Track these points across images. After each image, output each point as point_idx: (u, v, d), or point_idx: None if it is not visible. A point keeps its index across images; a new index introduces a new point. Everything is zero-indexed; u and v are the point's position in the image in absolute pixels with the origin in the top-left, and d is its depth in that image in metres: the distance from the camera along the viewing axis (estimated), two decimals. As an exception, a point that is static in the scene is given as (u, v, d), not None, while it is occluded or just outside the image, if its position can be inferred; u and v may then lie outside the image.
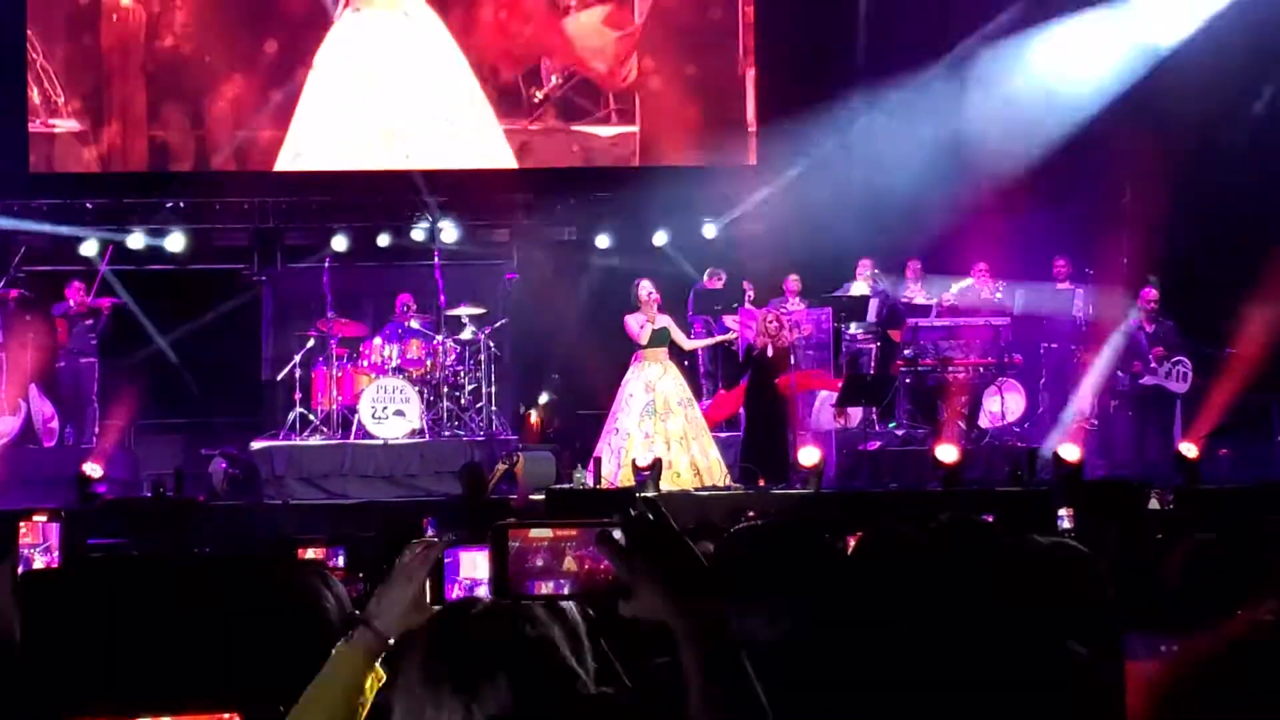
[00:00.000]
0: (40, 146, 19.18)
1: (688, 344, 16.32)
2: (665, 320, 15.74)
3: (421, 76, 19.59)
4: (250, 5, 19.40)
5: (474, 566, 6.31)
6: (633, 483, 14.83)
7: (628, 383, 15.68)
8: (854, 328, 17.64)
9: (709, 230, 19.41)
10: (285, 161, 19.36)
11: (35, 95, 19.06)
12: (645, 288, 15.64)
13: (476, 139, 19.59)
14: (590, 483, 15.27)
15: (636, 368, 15.67)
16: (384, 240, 19.40)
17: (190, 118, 19.26)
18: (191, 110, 19.26)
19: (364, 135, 19.48)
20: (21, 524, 8.04)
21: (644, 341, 15.55)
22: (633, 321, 15.60)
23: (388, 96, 19.52)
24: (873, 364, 17.65)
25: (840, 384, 16.82)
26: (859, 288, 17.99)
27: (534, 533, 2.89)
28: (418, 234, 19.21)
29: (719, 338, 16.96)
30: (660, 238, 19.25)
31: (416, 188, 19.19)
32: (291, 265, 18.02)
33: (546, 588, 2.90)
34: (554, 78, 19.68)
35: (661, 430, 15.40)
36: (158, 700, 3.59)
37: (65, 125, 19.25)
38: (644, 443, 15.30)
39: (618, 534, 2.65)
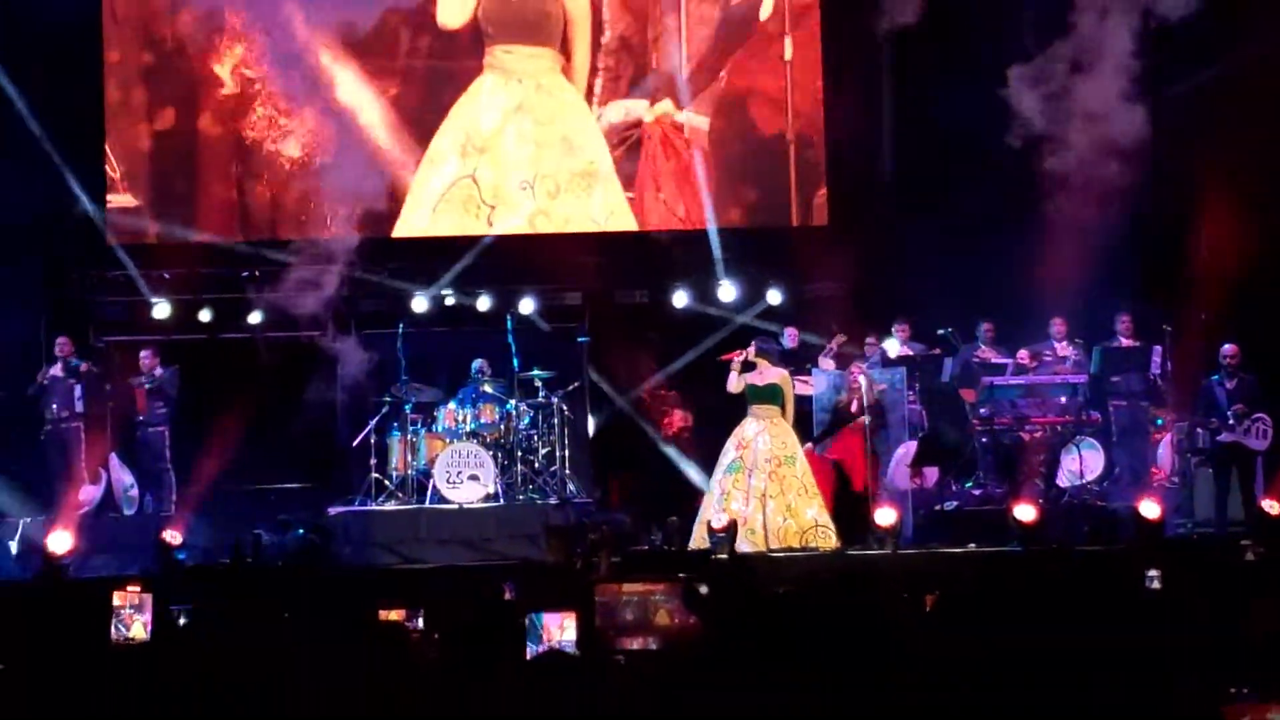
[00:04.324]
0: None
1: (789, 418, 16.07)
2: (775, 377, 15.61)
3: (528, 138, 19.82)
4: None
5: (559, 629, 6.31)
6: (707, 545, 14.78)
7: (729, 439, 15.66)
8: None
9: (774, 296, 19.39)
10: (405, 228, 19.67)
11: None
12: (754, 344, 15.67)
13: (601, 206, 19.82)
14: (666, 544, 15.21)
15: (741, 424, 15.63)
16: (450, 300, 19.51)
17: (266, 188, 19.51)
18: (266, 180, 19.51)
19: (453, 192, 19.76)
20: (115, 593, 8.16)
21: (732, 390, 15.50)
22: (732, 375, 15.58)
23: (481, 156, 19.80)
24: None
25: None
26: (892, 346, 17.94)
27: (624, 588, 2.88)
28: (482, 303, 19.32)
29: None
30: (728, 292, 19.19)
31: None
32: (366, 332, 18.11)
33: (636, 643, 2.89)
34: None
35: (744, 485, 15.31)
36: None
37: (119, 200, 19.55)
38: (720, 499, 15.25)
39: (704, 589, 2.65)
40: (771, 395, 15.55)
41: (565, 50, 19.83)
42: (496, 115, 19.84)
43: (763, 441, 15.46)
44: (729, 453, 15.53)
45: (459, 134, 19.83)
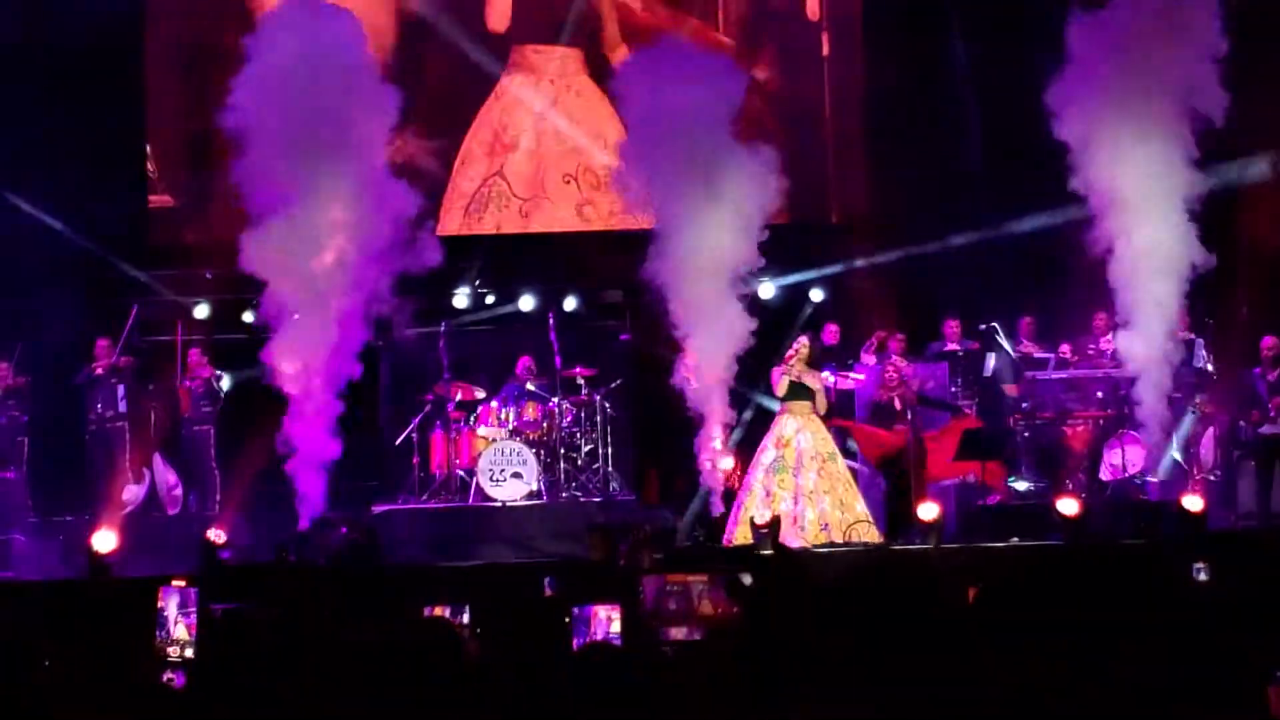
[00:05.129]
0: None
1: (820, 410, 16.07)
2: (814, 377, 15.69)
3: (562, 135, 19.90)
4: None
5: (604, 622, 6.35)
6: (750, 540, 14.80)
7: (766, 437, 15.70)
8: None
9: (816, 294, 19.32)
10: (449, 226, 19.76)
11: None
12: (798, 342, 15.71)
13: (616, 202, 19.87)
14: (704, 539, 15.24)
15: (777, 421, 15.69)
16: (490, 300, 19.54)
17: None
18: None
19: (483, 190, 19.82)
20: (162, 589, 8.24)
21: (780, 392, 15.58)
22: (776, 373, 15.65)
23: (512, 153, 19.85)
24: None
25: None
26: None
27: (667, 578, 2.89)
28: (526, 302, 19.31)
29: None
30: (767, 290, 19.05)
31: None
32: (409, 330, 18.14)
33: (679, 633, 2.90)
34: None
35: (790, 485, 15.32)
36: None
37: (159, 200, 19.73)
38: (764, 500, 15.25)
39: (747, 579, 2.67)
40: (807, 391, 15.61)
41: (599, 47, 19.86)
42: (527, 115, 19.92)
43: (805, 439, 15.50)
44: (769, 451, 15.55)
45: (488, 134, 19.91)
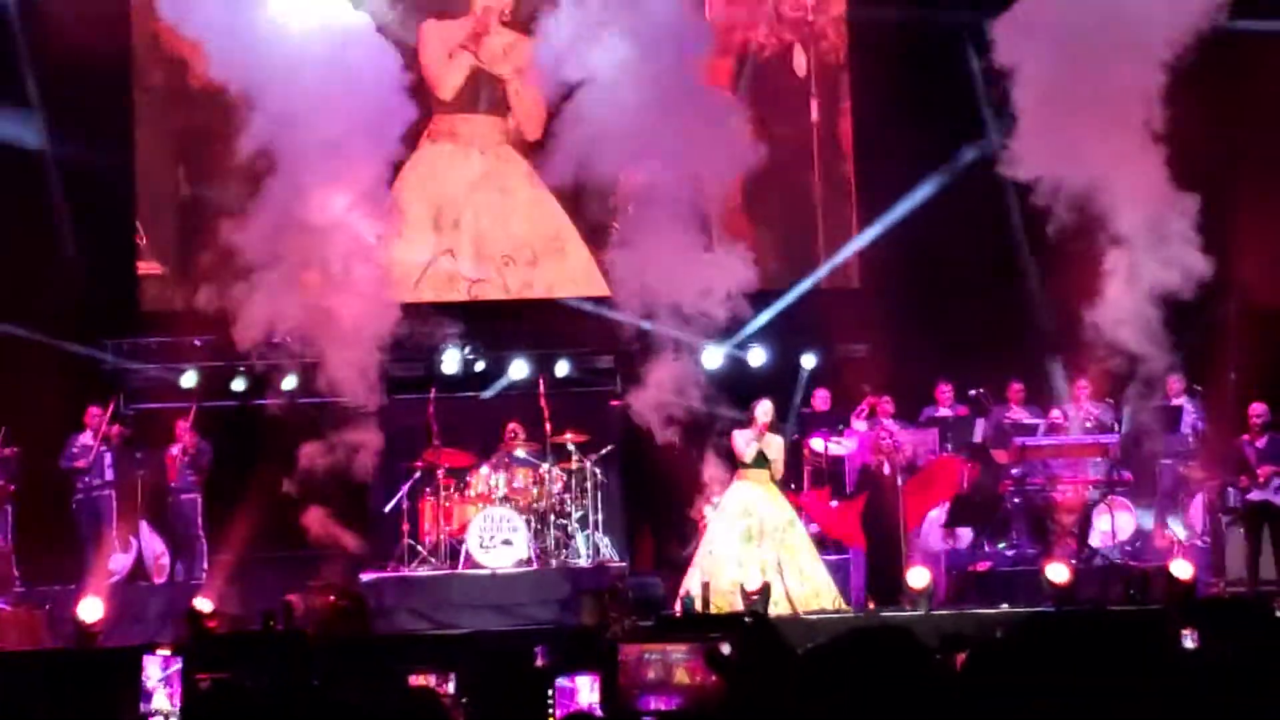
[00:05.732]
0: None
1: (776, 476, 16.00)
2: (777, 445, 15.63)
3: (497, 209, 19.93)
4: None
5: (587, 691, 6.33)
6: (740, 607, 14.73)
7: (724, 503, 15.58)
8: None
9: (808, 360, 19.28)
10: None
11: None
12: (761, 408, 15.61)
13: (559, 270, 19.85)
14: (699, 607, 15.17)
15: (735, 488, 15.59)
16: (479, 366, 19.52)
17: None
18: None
19: (433, 268, 19.86)
20: (145, 658, 8.20)
21: (747, 459, 15.47)
22: (739, 438, 15.55)
23: (456, 231, 19.90)
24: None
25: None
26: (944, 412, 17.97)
27: (645, 647, 2.88)
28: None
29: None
30: (758, 356, 19.01)
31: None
32: (397, 397, 18.12)
33: (658, 703, 2.89)
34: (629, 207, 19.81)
35: (755, 556, 15.23)
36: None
37: (147, 268, 19.75)
38: (738, 570, 15.16)
39: (726, 649, 2.65)
40: (766, 459, 15.57)
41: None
42: (463, 187, 19.94)
43: (765, 508, 15.44)
44: (736, 520, 15.41)
45: (427, 206, 19.87)
